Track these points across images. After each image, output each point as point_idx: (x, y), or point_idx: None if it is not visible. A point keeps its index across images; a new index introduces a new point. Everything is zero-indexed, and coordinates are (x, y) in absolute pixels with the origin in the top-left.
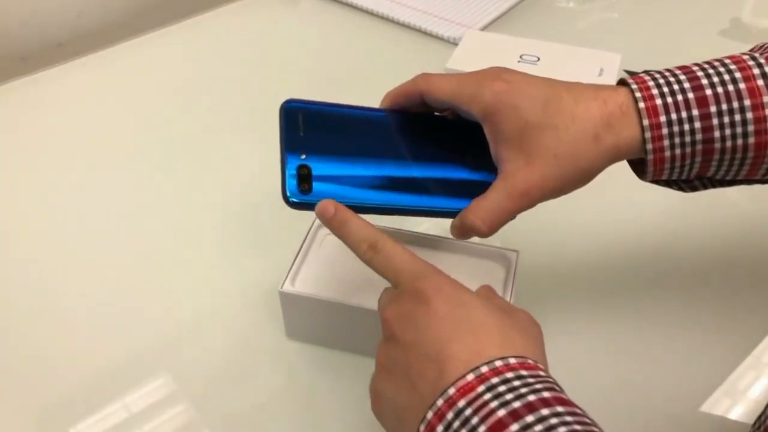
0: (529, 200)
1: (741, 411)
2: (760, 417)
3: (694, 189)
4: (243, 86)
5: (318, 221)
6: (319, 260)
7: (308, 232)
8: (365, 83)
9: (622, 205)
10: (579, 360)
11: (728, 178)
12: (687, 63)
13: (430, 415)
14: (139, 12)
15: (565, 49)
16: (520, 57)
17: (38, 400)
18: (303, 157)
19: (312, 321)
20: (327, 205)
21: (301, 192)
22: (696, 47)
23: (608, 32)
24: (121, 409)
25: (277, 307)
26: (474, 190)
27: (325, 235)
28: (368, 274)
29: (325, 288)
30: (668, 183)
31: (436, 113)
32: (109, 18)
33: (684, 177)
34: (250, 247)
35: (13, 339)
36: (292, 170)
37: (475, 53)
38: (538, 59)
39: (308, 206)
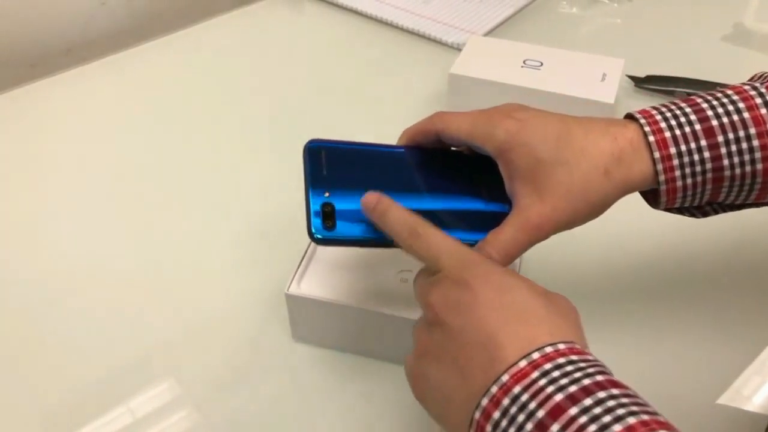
0: (542, 233)
1: (746, 416)
2: None
3: (705, 214)
4: (249, 92)
5: None
6: (326, 262)
7: None
8: (370, 89)
9: (628, 206)
10: None
11: (738, 202)
12: (689, 67)
13: (485, 401)
14: (146, 19)
15: (568, 55)
16: (524, 62)
17: (43, 403)
18: (326, 195)
19: (318, 323)
20: (370, 197)
21: (325, 228)
22: (699, 52)
23: (611, 38)
24: (125, 413)
25: (283, 309)
26: (490, 222)
27: None
28: (374, 276)
29: (331, 290)
30: (680, 210)
31: (452, 148)
32: (117, 25)
33: (696, 204)
34: (256, 249)
35: (18, 343)
36: (316, 207)
37: (478, 59)
38: (541, 64)
39: (332, 242)
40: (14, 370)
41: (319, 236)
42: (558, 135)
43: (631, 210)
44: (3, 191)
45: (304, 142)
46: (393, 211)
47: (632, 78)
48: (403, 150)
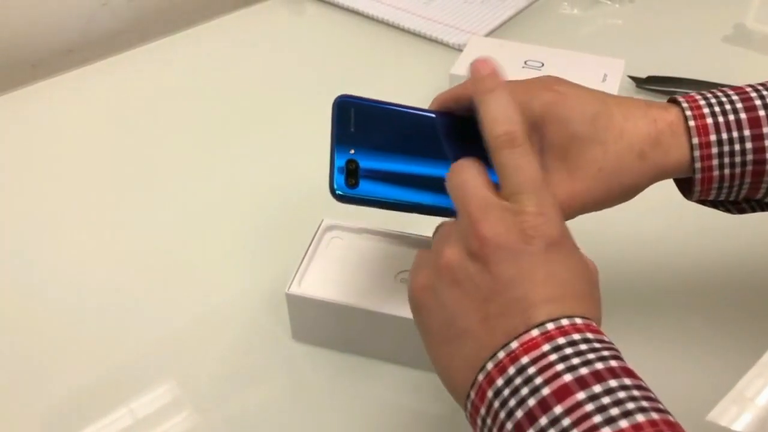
0: (568, 211)
1: (749, 419)
2: None
3: (742, 211)
4: (251, 92)
5: (325, 223)
6: (326, 262)
7: (315, 234)
8: (371, 90)
9: (633, 209)
10: None
11: None
12: (690, 68)
13: (490, 365)
14: (148, 19)
15: (569, 55)
16: (525, 63)
17: (43, 404)
18: (352, 152)
19: (318, 323)
20: (483, 62)
21: (348, 185)
22: (700, 53)
23: (612, 38)
24: (126, 414)
25: (283, 309)
26: None
27: (332, 238)
28: (375, 276)
29: (331, 290)
30: (714, 204)
31: None
32: (119, 25)
33: (732, 198)
34: (256, 249)
35: (18, 343)
36: (341, 164)
37: None
38: (543, 65)
39: (353, 200)
40: (13, 370)
41: (340, 192)
42: (596, 113)
43: (638, 208)
44: (4, 191)
45: (306, 141)
46: (501, 96)
47: (633, 79)
48: (434, 115)
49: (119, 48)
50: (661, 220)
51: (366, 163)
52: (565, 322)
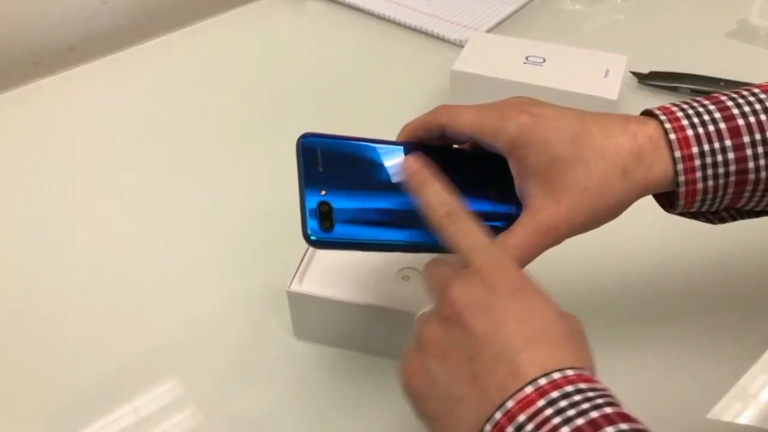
0: (556, 236)
1: (752, 415)
2: None
3: (722, 221)
4: (252, 90)
5: None
6: (327, 260)
7: None
8: (372, 86)
9: (630, 209)
10: None
11: (758, 209)
12: (693, 63)
13: (488, 428)
14: (149, 17)
15: (571, 51)
16: (526, 59)
17: (47, 403)
18: (323, 193)
19: (320, 320)
20: (412, 161)
21: (322, 230)
22: (703, 48)
23: (614, 34)
24: (129, 413)
25: (284, 306)
26: (496, 224)
27: None
28: (376, 273)
29: (333, 287)
30: (694, 215)
31: (454, 146)
32: (120, 23)
33: (714, 209)
34: (257, 247)
35: (22, 342)
36: (312, 207)
37: (481, 55)
38: (544, 61)
39: (330, 244)
40: (16, 370)
41: (314, 238)
42: (576, 133)
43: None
44: (4, 189)
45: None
46: (432, 184)
47: (636, 74)
48: (403, 147)
49: (120, 46)
50: (661, 220)
51: (339, 203)
52: (557, 375)
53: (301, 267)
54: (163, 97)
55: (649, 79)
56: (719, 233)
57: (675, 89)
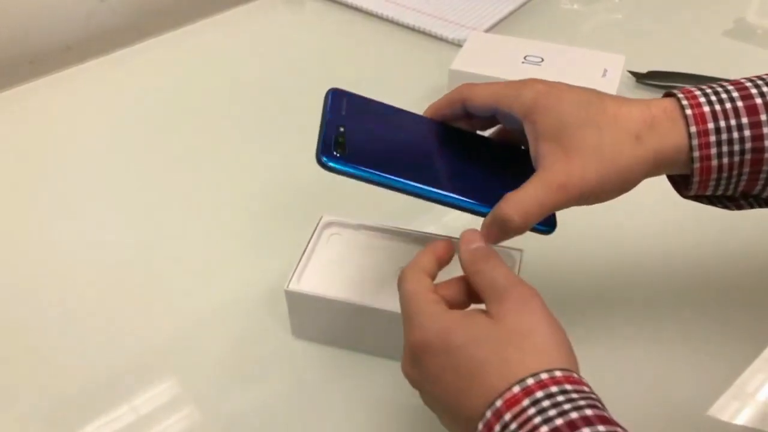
0: (566, 194)
1: (749, 414)
2: None
3: (739, 207)
4: (250, 89)
5: (324, 220)
6: (325, 259)
7: (314, 231)
8: (370, 85)
9: (630, 205)
10: (582, 363)
11: None
12: (691, 63)
13: (480, 426)
14: (147, 16)
15: (569, 51)
16: (524, 58)
17: (45, 402)
18: (341, 129)
19: (318, 320)
20: (472, 235)
21: (334, 155)
22: (700, 48)
23: (612, 34)
24: (128, 412)
25: (283, 306)
26: (508, 190)
27: (331, 234)
28: (374, 273)
29: (331, 287)
30: (711, 201)
31: (478, 132)
32: (118, 22)
33: (730, 192)
34: (255, 246)
35: (19, 342)
36: (330, 134)
37: (479, 54)
38: (542, 60)
39: (339, 171)
40: (15, 369)
41: (325, 159)
42: (589, 100)
43: (635, 204)
44: (2, 189)
45: (305, 138)
46: (490, 263)
47: (633, 74)
48: (426, 120)
49: (118, 45)
50: (660, 219)
51: (355, 139)
52: (544, 376)
53: (299, 266)
54: (160, 96)
55: (647, 79)
56: (718, 233)
57: (673, 88)
